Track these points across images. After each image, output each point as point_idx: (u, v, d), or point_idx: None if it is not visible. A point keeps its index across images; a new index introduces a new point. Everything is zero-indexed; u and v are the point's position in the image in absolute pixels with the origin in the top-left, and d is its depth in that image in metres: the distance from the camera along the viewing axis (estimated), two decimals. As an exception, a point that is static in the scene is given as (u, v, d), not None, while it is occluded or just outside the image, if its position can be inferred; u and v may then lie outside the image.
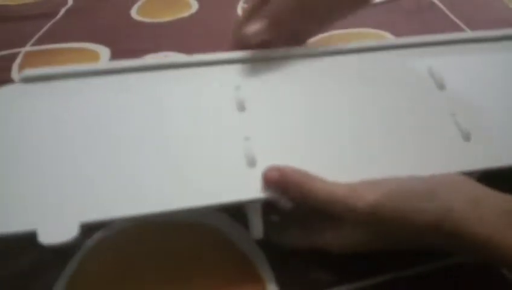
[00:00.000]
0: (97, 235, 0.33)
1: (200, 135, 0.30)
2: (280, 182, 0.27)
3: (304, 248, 0.29)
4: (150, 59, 0.34)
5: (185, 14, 0.67)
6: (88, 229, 0.33)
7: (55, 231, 0.25)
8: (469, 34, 0.38)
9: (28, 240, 0.32)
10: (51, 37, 0.60)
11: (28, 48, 0.58)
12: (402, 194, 0.25)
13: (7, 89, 0.32)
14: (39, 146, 0.29)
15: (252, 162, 0.29)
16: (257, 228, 0.29)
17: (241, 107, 0.32)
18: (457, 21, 0.62)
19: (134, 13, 0.67)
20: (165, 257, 0.31)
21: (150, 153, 0.29)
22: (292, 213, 0.33)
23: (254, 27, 0.33)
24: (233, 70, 0.34)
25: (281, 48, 0.35)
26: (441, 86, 0.34)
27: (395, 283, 0.29)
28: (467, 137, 0.31)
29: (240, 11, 0.67)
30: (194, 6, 0.69)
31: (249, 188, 0.28)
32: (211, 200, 0.27)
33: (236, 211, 0.33)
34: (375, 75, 0.34)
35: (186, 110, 0.31)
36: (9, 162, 0.28)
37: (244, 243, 0.32)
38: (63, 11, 0.68)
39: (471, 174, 0.31)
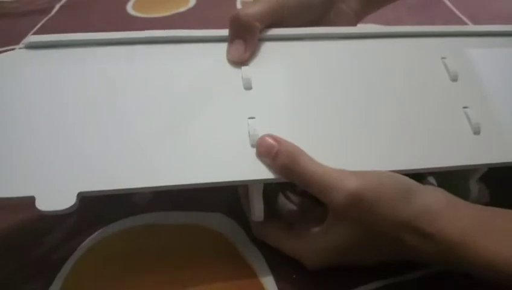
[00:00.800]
0: (95, 236, 0.32)
1: (204, 112, 0.30)
2: (271, 147, 0.27)
3: (279, 248, 0.30)
4: (158, 31, 0.32)
5: (182, 9, 0.66)
6: (87, 229, 0.33)
7: (53, 199, 0.25)
8: (484, 27, 0.37)
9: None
10: (46, 33, 0.59)
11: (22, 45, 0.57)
12: (383, 188, 0.26)
13: (10, 54, 0.31)
14: (41, 114, 0.28)
15: (256, 143, 0.28)
16: (258, 210, 0.29)
17: (248, 86, 0.31)
18: (463, 17, 0.61)
19: (130, 8, 0.66)
20: (164, 259, 0.31)
21: (153, 127, 0.29)
22: (289, 215, 0.33)
23: (252, 9, 0.31)
24: None
25: (291, 28, 0.34)
26: (454, 78, 0.33)
27: (395, 287, 0.29)
28: (477, 131, 0.31)
29: (239, 6, 0.66)
30: (192, 1, 0.67)
31: (252, 169, 0.28)
32: (213, 179, 0.27)
33: (236, 213, 0.33)
34: (387, 61, 0.33)
35: (191, 85, 0.31)
36: (10, 128, 0.28)
37: (243, 245, 0.32)
38: (57, 7, 0.67)
39: (478, 169, 0.31)
